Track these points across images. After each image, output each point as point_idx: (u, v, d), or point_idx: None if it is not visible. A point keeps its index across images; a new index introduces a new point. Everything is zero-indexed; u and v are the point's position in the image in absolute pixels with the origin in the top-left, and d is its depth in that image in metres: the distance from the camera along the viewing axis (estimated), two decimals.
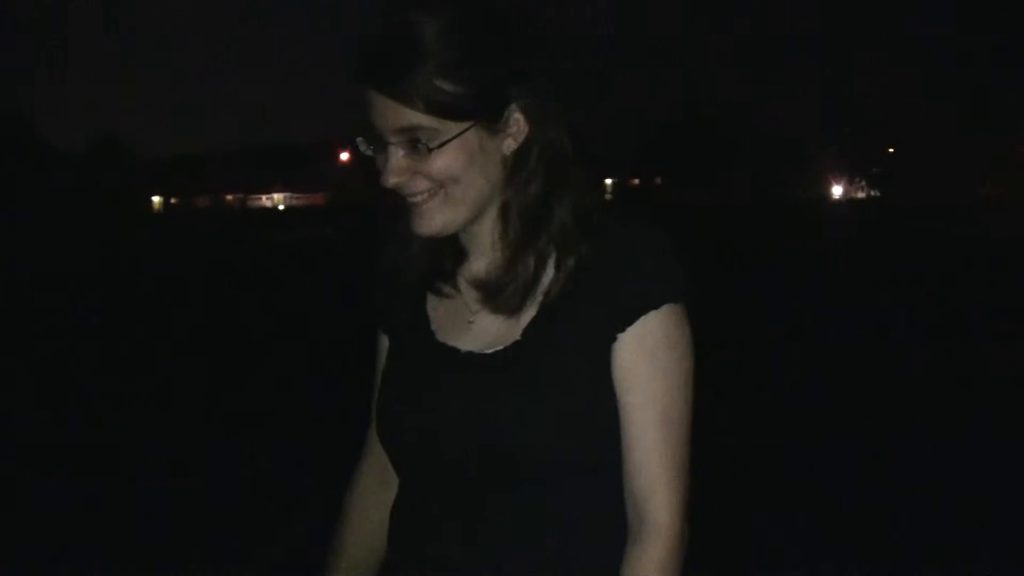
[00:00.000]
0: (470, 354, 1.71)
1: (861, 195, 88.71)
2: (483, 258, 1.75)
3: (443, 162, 1.62)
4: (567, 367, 1.64)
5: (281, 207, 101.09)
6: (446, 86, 1.58)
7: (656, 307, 1.62)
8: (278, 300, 16.94)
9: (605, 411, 1.64)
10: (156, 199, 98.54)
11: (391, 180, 1.65)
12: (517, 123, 1.67)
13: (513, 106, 1.66)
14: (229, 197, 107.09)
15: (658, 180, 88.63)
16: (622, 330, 1.63)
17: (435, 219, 1.67)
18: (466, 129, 1.62)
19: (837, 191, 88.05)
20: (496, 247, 1.73)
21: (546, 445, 1.61)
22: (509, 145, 1.67)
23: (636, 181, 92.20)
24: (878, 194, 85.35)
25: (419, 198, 1.66)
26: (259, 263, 25.32)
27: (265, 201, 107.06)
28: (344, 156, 70.31)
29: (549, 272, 1.68)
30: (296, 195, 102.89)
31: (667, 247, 1.67)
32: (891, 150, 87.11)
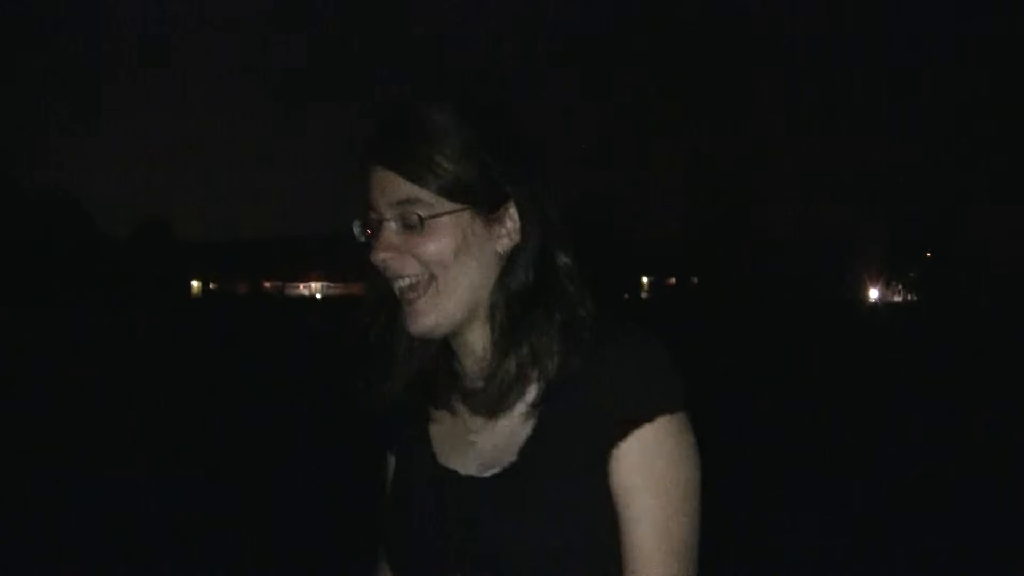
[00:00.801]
0: (470, 479, 1.67)
1: (898, 299, 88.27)
2: (475, 367, 1.72)
3: (434, 242, 1.63)
4: (564, 488, 1.59)
5: (319, 295, 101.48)
6: (447, 164, 1.61)
7: (650, 420, 1.57)
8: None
9: (605, 527, 1.59)
10: (195, 284, 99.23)
11: (380, 255, 1.65)
12: (512, 221, 1.66)
13: (511, 203, 1.66)
14: (267, 284, 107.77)
15: (695, 280, 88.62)
16: (616, 445, 1.57)
17: (429, 316, 1.66)
18: (462, 209, 1.63)
19: (873, 294, 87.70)
20: (487, 353, 1.70)
21: (546, 567, 1.57)
22: (503, 244, 1.66)
23: (673, 281, 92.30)
24: (915, 298, 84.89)
25: (411, 292, 1.66)
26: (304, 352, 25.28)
27: (303, 289, 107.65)
28: None
29: (536, 382, 1.65)
30: (333, 284, 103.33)
31: (662, 356, 1.61)
32: (928, 255, 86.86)
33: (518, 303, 1.66)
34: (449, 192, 1.61)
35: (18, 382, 17.25)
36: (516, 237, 1.66)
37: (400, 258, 1.65)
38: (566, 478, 1.59)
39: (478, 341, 1.71)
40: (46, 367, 19.31)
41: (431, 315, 1.66)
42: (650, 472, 1.57)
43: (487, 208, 1.65)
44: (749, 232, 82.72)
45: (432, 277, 1.65)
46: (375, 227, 1.66)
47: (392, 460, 1.88)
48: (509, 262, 1.67)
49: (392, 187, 1.62)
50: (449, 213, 1.62)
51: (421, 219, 1.62)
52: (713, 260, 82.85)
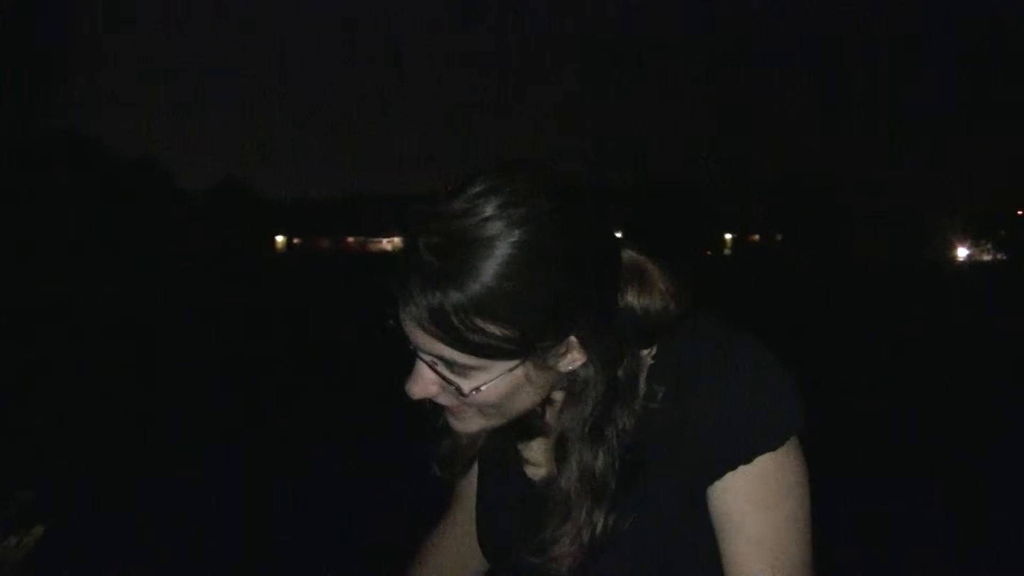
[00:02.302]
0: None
1: (987, 258, 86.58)
2: (539, 457, 1.59)
3: (481, 398, 1.39)
4: (661, 520, 1.46)
5: None
6: (488, 326, 1.28)
7: (747, 461, 1.41)
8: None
9: (705, 557, 1.47)
10: (280, 239, 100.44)
11: (414, 392, 1.41)
12: (572, 354, 1.39)
13: (572, 339, 1.37)
14: (350, 240, 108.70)
15: (779, 237, 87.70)
16: (712, 484, 1.43)
17: (471, 425, 1.47)
18: (511, 369, 1.35)
19: (962, 253, 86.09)
20: (555, 461, 1.49)
21: None
22: (565, 366, 1.40)
23: (756, 237, 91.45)
24: (1005, 257, 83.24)
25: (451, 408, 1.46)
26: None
27: (385, 245, 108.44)
28: None
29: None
30: None
31: (764, 384, 1.43)
32: (1020, 212, 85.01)
33: (591, 453, 1.43)
34: (490, 354, 1.32)
35: (104, 342, 17.55)
36: (576, 364, 1.40)
37: (442, 394, 1.42)
38: (662, 510, 1.47)
39: (539, 445, 1.57)
40: (131, 330, 19.61)
41: (474, 425, 1.47)
42: (757, 500, 1.42)
43: (543, 355, 1.36)
44: (834, 187, 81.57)
45: (479, 410, 1.43)
46: (408, 348, 1.39)
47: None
48: (576, 385, 1.43)
49: (423, 340, 1.33)
50: (492, 380, 1.36)
51: (459, 388, 1.37)
52: (798, 216, 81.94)
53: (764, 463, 1.41)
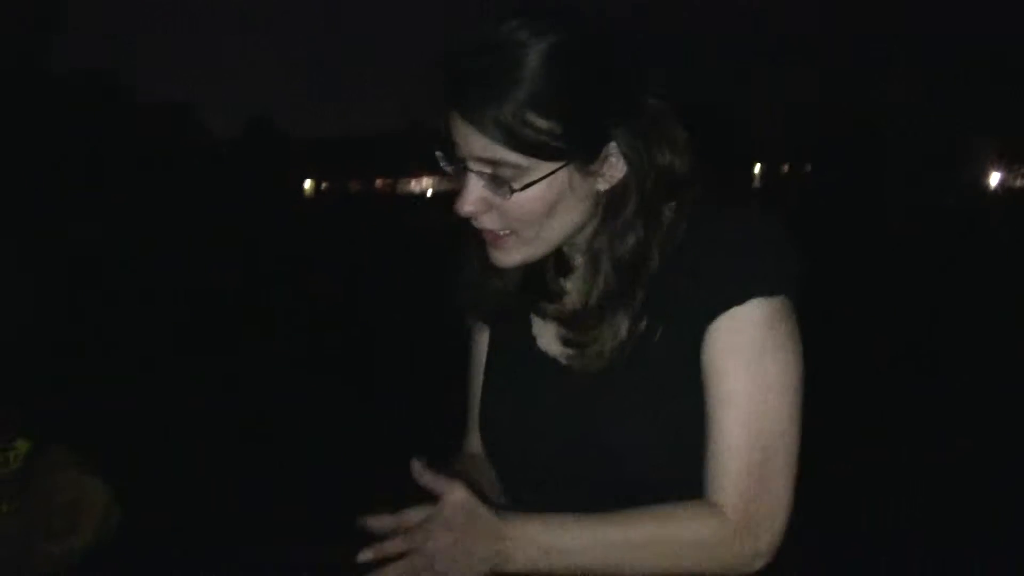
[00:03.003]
0: (569, 367, 1.64)
1: (1020, 183, 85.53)
2: (579, 281, 1.66)
3: (526, 203, 1.50)
4: (663, 373, 1.56)
5: (429, 192, 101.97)
6: (539, 121, 1.43)
7: (740, 302, 1.51)
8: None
9: (699, 428, 1.56)
10: (308, 184, 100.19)
11: (465, 209, 1.53)
12: (615, 157, 1.53)
13: (612, 144, 1.52)
14: (379, 182, 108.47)
15: (808, 168, 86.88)
16: (708, 323, 1.53)
17: (512, 255, 1.58)
18: (556, 170, 1.49)
19: (995, 179, 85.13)
20: (585, 278, 1.63)
21: (642, 460, 1.55)
22: (604, 184, 1.55)
23: (786, 167, 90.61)
24: None
25: (494, 236, 1.57)
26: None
27: (414, 186, 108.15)
28: None
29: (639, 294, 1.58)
30: (444, 179, 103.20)
31: (764, 236, 1.54)
32: None
33: (628, 253, 1.55)
34: (541, 152, 1.46)
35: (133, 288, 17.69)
36: (620, 173, 1.55)
37: (487, 213, 1.54)
38: (666, 363, 1.56)
39: (579, 257, 1.64)
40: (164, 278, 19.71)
41: (514, 256, 1.58)
42: (739, 356, 1.50)
43: (586, 158, 1.51)
44: (856, 111, 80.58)
45: (518, 231, 1.55)
46: (459, 169, 1.55)
47: (483, 333, 1.86)
48: (611, 202, 1.56)
49: (475, 143, 1.48)
50: (541, 179, 1.49)
51: (510, 187, 1.49)
52: (827, 146, 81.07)
53: (755, 309, 1.50)
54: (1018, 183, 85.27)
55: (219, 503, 6.09)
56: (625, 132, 1.50)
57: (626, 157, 1.52)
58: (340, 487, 6.01)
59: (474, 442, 1.87)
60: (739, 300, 1.50)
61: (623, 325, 1.54)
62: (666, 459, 1.55)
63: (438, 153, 1.54)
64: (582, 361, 1.58)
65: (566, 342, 1.61)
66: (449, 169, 1.55)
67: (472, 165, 1.50)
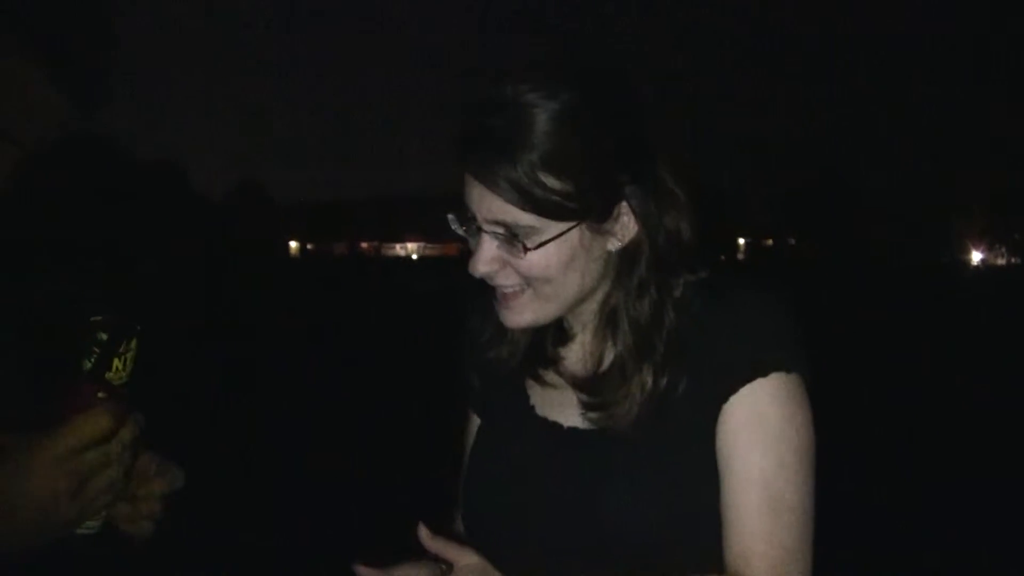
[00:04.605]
0: (574, 430, 1.59)
1: (1001, 262, 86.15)
2: (581, 348, 1.64)
3: (539, 262, 1.47)
4: (673, 442, 1.51)
5: (415, 256, 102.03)
6: (551, 182, 1.41)
7: (763, 375, 1.47)
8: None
9: (711, 495, 1.49)
10: (293, 244, 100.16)
11: (480, 269, 1.49)
12: (627, 216, 1.50)
13: (624, 204, 1.49)
14: (365, 245, 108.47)
15: (792, 241, 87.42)
16: (725, 400, 1.48)
17: (524, 315, 1.54)
18: (569, 229, 1.45)
19: (976, 257, 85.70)
20: (597, 340, 1.61)
21: (648, 529, 1.49)
22: (616, 243, 1.51)
23: (770, 242, 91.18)
24: (1019, 261, 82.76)
25: (508, 290, 1.53)
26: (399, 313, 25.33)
27: (399, 250, 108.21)
28: None
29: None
30: (430, 245, 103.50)
31: (782, 314, 1.52)
32: None
33: (646, 311, 1.54)
34: (555, 213, 1.44)
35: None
36: (632, 232, 1.51)
37: (501, 271, 1.51)
38: (675, 432, 1.51)
39: (589, 320, 1.61)
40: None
41: (527, 315, 1.55)
42: (758, 428, 1.47)
43: (599, 217, 1.48)
44: (841, 191, 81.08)
45: (530, 284, 1.51)
46: (472, 230, 1.51)
47: (474, 418, 1.79)
48: (625, 260, 1.53)
49: (489, 203, 1.45)
50: (555, 238, 1.46)
51: (524, 247, 1.46)
52: (810, 222, 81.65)
53: (774, 384, 1.46)
54: (999, 261, 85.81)
55: None
56: (637, 191, 1.49)
57: (637, 216, 1.50)
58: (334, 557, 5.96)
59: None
60: (761, 373, 1.47)
61: (648, 378, 1.51)
62: (668, 530, 1.49)
63: (450, 216, 1.53)
64: (610, 422, 1.53)
65: (588, 407, 1.56)
66: (461, 231, 1.53)
67: (486, 226, 1.47)
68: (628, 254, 1.52)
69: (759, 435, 1.46)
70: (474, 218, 1.47)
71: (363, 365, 14.84)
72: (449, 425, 1.83)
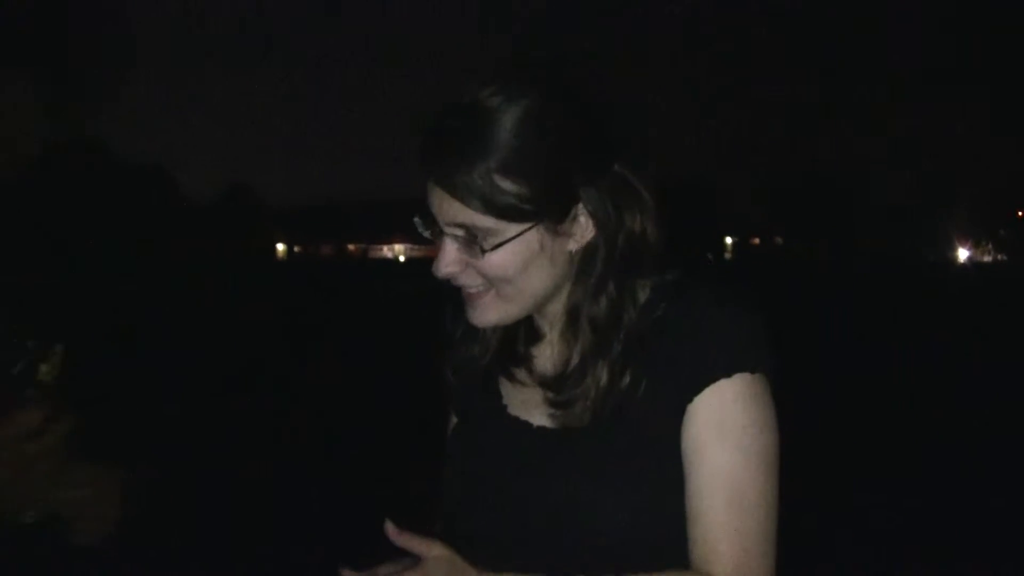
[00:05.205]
0: (543, 429, 1.63)
1: (987, 259, 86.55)
2: (550, 347, 1.68)
3: (498, 262, 1.52)
4: (641, 440, 1.54)
5: (402, 258, 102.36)
6: (507, 185, 1.46)
7: (727, 376, 1.51)
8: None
9: (680, 488, 1.53)
10: (280, 247, 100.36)
11: (442, 271, 1.56)
12: (583, 224, 1.55)
13: (580, 206, 1.54)
14: (351, 247, 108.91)
15: (779, 240, 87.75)
16: (690, 400, 1.52)
17: (489, 314, 1.60)
18: (525, 231, 1.51)
19: (963, 254, 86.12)
20: (563, 339, 1.65)
21: (614, 528, 1.52)
22: (575, 244, 1.57)
23: (757, 240, 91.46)
24: (1005, 258, 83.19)
25: (472, 290, 1.59)
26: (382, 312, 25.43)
27: (386, 252, 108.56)
28: None
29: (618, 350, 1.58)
30: (416, 247, 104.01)
31: (747, 316, 1.56)
32: (1021, 214, 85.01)
33: (603, 309, 1.58)
34: (512, 215, 1.49)
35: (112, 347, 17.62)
36: (590, 233, 1.56)
37: (463, 272, 1.57)
38: (643, 431, 1.54)
39: (557, 320, 1.65)
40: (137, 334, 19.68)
41: (492, 314, 1.60)
42: (723, 428, 1.50)
43: (555, 218, 1.53)
44: (827, 189, 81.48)
45: (496, 288, 1.57)
46: (436, 233, 1.57)
47: (453, 417, 1.84)
48: (584, 260, 1.58)
49: (449, 208, 1.51)
50: (512, 239, 1.51)
51: (482, 248, 1.52)
52: (797, 220, 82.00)
53: (738, 384, 1.50)
54: (985, 258, 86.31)
55: None
56: (593, 194, 1.53)
57: (594, 218, 1.55)
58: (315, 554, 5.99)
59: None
60: (725, 374, 1.51)
61: (603, 375, 1.55)
62: (635, 529, 1.52)
63: (416, 219, 1.58)
64: (568, 419, 1.58)
65: (553, 404, 1.60)
66: (427, 234, 1.58)
67: (446, 229, 1.53)
68: (587, 254, 1.57)
69: (723, 435, 1.49)
70: (436, 220, 1.53)
71: (352, 364, 14.92)
72: (436, 424, 1.88)
